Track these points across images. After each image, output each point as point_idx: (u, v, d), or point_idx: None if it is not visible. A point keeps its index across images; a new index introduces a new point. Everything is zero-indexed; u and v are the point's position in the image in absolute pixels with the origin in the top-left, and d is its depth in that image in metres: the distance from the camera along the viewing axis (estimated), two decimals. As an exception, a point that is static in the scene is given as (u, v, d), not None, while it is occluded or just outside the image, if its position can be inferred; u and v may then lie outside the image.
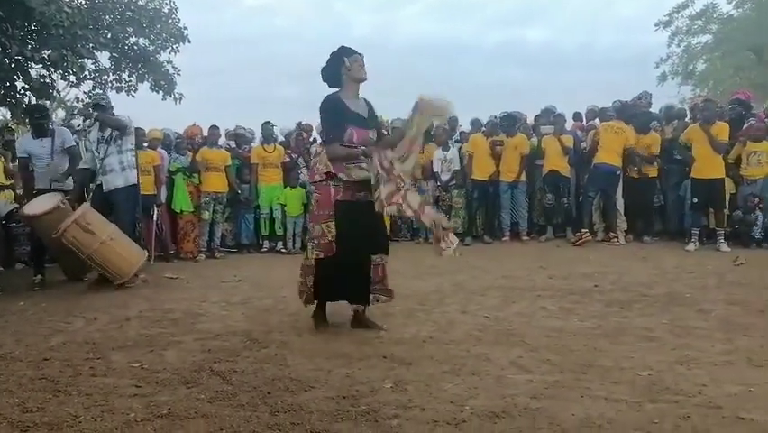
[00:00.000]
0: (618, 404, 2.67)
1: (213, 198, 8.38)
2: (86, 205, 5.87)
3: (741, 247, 7.66)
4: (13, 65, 8.97)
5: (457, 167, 9.13)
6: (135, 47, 11.95)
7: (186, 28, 12.02)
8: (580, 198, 8.86)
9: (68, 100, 18.01)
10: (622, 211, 8.55)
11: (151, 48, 12.04)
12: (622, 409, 2.62)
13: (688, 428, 2.43)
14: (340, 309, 4.26)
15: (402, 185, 3.76)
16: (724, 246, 7.58)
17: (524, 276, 6.14)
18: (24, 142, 6.70)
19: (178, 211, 8.36)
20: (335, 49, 4.04)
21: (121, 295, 5.62)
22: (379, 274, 4.06)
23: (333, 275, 3.94)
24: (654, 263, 6.74)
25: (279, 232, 8.84)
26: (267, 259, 8.36)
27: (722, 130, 7.67)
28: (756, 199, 7.84)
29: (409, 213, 3.78)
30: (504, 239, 9.01)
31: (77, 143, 6.56)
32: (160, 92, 12.40)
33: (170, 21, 11.83)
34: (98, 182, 6.16)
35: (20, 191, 7.69)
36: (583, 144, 9.02)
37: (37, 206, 5.79)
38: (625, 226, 8.56)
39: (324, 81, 4.09)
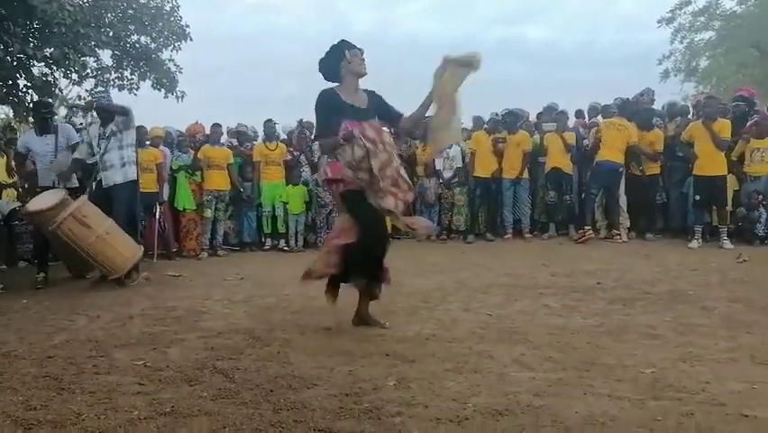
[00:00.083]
0: (621, 402, 2.67)
1: (215, 195, 8.39)
2: (84, 198, 5.87)
3: (744, 244, 7.64)
4: (15, 63, 9.00)
5: (459, 164, 9.13)
6: (137, 45, 11.97)
7: (187, 26, 12.05)
8: (583, 196, 8.85)
9: (70, 98, 18.03)
10: (625, 208, 8.54)
11: (153, 46, 12.07)
12: (625, 406, 2.62)
13: (691, 426, 2.42)
14: (342, 308, 4.25)
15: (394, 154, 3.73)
16: (727, 243, 7.57)
17: (526, 274, 6.13)
18: (27, 138, 6.70)
19: (181, 209, 8.37)
20: (336, 42, 3.98)
21: (124, 293, 5.63)
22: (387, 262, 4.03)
23: (358, 259, 3.87)
24: (657, 261, 6.73)
25: (282, 230, 8.84)
26: (269, 257, 8.37)
27: (724, 127, 7.65)
28: (760, 196, 7.82)
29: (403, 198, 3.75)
30: (506, 237, 9.00)
31: (82, 139, 6.57)
32: (162, 90, 12.42)
33: (172, 19, 11.85)
34: (98, 178, 6.16)
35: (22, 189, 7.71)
36: (586, 141, 9.01)
37: (40, 202, 5.80)
38: (627, 224, 8.55)
39: (322, 73, 4.01)
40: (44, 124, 6.43)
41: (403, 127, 4.27)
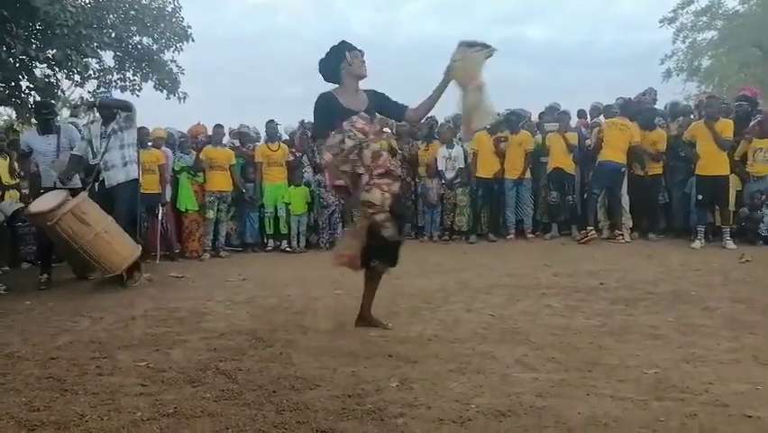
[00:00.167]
0: (624, 402, 2.66)
1: (217, 196, 8.39)
2: (84, 195, 5.86)
3: (747, 244, 7.62)
4: (17, 64, 9.02)
5: (461, 165, 9.12)
6: (139, 46, 11.99)
7: (189, 27, 12.05)
8: (585, 196, 8.84)
9: (72, 100, 18.07)
10: (627, 208, 8.52)
11: (155, 47, 12.08)
12: (628, 407, 2.62)
13: (694, 427, 2.42)
14: (343, 309, 4.26)
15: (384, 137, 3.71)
16: (730, 244, 7.55)
17: (529, 274, 6.13)
18: (29, 137, 6.71)
19: (183, 210, 8.38)
20: (336, 43, 3.94)
21: (127, 294, 5.64)
22: None
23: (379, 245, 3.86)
24: (660, 261, 6.72)
25: (284, 231, 8.85)
26: (271, 258, 8.37)
27: (726, 127, 7.64)
28: (763, 196, 7.79)
29: (361, 170, 3.65)
30: (509, 237, 8.99)
31: (83, 137, 6.57)
32: (164, 91, 12.43)
33: (174, 20, 11.87)
34: (101, 178, 6.17)
35: (26, 191, 7.73)
36: (588, 142, 9.00)
37: (42, 203, 5.81)
38: (630, 224, 8.54)
39: (322, 74, 3.97)
40: (46, 125, 6.45)
41: (409, 118, 4.20)
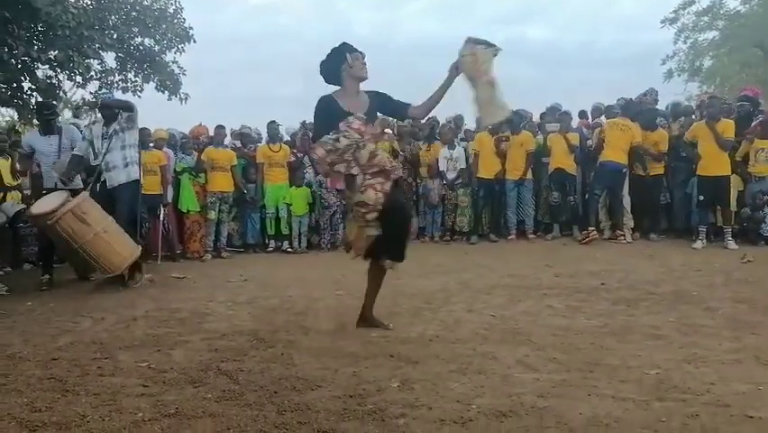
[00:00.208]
0: (626, 403, 2.66)
1: (219, 197, 8.40)
2: (85, 194, 5.86)
3: (749, 245, 7.62)
4: (19, 66, 9.03)
5: (463, 165, 9.12)
6: (141, 47, 12.01)
7: (191, 28, 12.06)
8: (587, 196, 8.83)
9: (74, 101, 18.10)
10: (629, 209, 8.52)
11: (157, 48, 12.10)
12: (629, 407, 2.62)
13: (696, 427, 2.42)
14: (345, 309, 4.26)
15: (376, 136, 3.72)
16: (731, 244, 7.54)
17: (530, 274, 6.13)
18: (31, 138, 6.72)
19: (185, 211, 8.38)
20: (337, 44, 3.93)
21: (128, 295, 5.64)
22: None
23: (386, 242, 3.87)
24: (661, 261, 6.71)
25: (285, 231, 8.85)
26: (273, 258, 8.38)
27: (727, 127, 7.63)
28: (765, 197, 7.79)
29: (355, 170, 3.65)
30: (510, 237, 8.99)
31: (84, 137, 6.58)
32: (166, 92, 12.45)
33: (176, 21, 11.88)
34: (102, 179, 6.18)
35: (27, 192, 7.73)
36: (589, 142, 8.99)
37: (44, 205, 5.81)
38: (631, 224, 8.53)
39: (323, 76, 3.96)
40: (48, 125, 6.46)
41: (413, 115, 4.19)
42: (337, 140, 3.63)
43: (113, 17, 11.19)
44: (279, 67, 52.10)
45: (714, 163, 7.60)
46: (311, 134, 9.36)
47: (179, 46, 12.06)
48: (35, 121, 9.16)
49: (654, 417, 2.51)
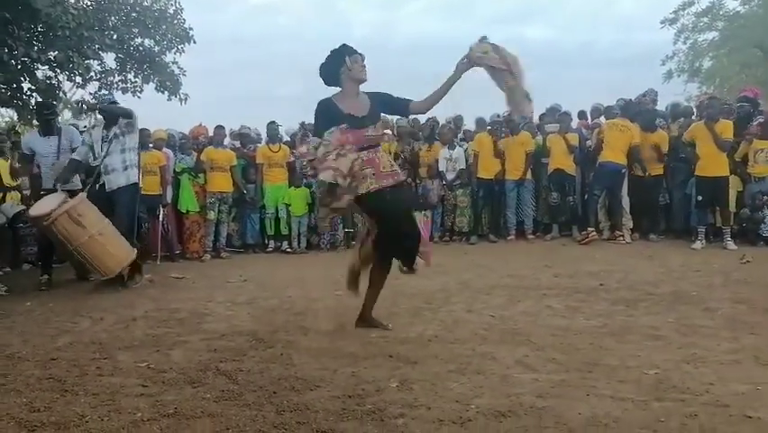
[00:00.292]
0: (625, 403, 2.66)
1: (218, 198, 8.40)
2: (82, 196, 5.86)
3: (748, 245, 7.62)
4: (19, 66, 9.03)
5: (462, 166, 9.12)
6: (141, 48, 12.00)
7: (191, 28, 12.06)
8: (586, 197, 8.84)
9: (74, 101, 18.09)
10: (628, 209, 8.53)
11: (157, 48, 12.09)
12: (628, 407, 2.62)
13: (695, 427, 2.42)
14: (344, 310, 4.26)
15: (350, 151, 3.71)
16: (730, 244, 7.55)
17: (529, 275, 6.13)
18: (30, 139, 6.72)
19: (184, 211, 8.39)
20: (337, 46, 3.92)
21: (127, 295, 5.64)
22: (424, 231, 3.99)
23: (388, 249, 3.93)
24: (660, 262, 6.71)
25: (285, 232, 8.86)
26: (272, 259, 8.38)
27: (726, 128, 7.63)
28: (764, 197, 7.79)
29: (340, 180, 3.64)
30: (509, 238, 9.00)
31: (84, 140, 6.58)
32: (166, 93, 12.44)
33: (176, 21, 11.88)
34: (101, 181, 6.18)
35: (27, 192, 7.73)
36: (588, 143, 9.00)
37: (42, 206, 5.81)
38: (630, 225, 8.54)
39: (322, 78, 3.96)
40: (47, 126, 6.46)
41: (415, 110, 4.18)
42: (317, 147, 3.69)
43: (113, 18, 11.19)
44: (279, 67, 52.10)
45: (712, 164, 7.61)
46: (310, 135, 9.40)
47: (179, 47, 12.05)
48: (35, 122, 9.16)
49: (653, 417, 2.51)
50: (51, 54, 9.26)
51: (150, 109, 12.94)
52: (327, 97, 3.91)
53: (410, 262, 4.02)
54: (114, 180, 6.14)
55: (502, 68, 3.84)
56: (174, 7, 11.91)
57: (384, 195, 3.83)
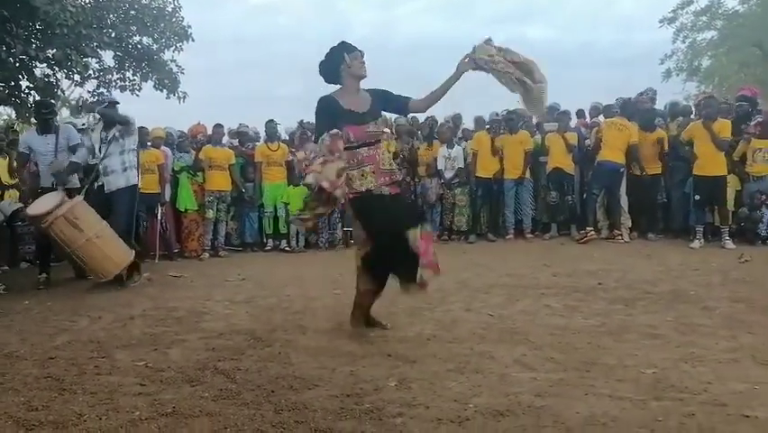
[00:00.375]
0: (623, 402, 2.66)
1: (217, 196, 8.39)
2: (78, 198, 5.83)
3: (747, 244, 7.63)
4: (17, 64, 9.01)
5: (461, 165, 9.12)
6: (139, 46, 11.99)
7: (189, 26, 12.05)
8: (585, 196, 8.85)
9: (72, 99, 18.06)
10: (626, 208, 8.53)
11: (155, 47, 12.09)
12: (626, 407, 2.62)
13: (693, 426, 2.42)
14: (342, 309, 4.25)
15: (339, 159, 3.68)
16: (729, 243, 7.56)
17: (528, 274, 6.13)
18: (28, 137, 6.70)
19: (183, 210, 8.38)
20: (335, 44, 3.92)
21: (125, 294, 5.64)
22: (423, 245, 3.73)
23: (383, 264, 3.78)
24: (659, 261, 6.72)
25: (283, 230, 8.85)
26: (271, 257, 8.37)
27: (724, 127, 7.64)
28: (762, 196, 7.80)
29: (325, 184, 3.60)
30: (508, 237, 9.00)
31: (82, 141, 6.57)
32: (164, 91, 12.43)
33: (174, 19, 11.87)
34: (100, 183, 6.16)
35: (24, 189, 7.72)
36: (587, 142, 9.00)
37: (40, 205, 5.80)
38: (629, 224, 8.54)
39: (322, 76, 3.96)
40: (45, 125, 6.44)
41: (414, 109, 4.16)
42: (315, 157, 3.68)
43: (111, 16, 11.18)
44: (279, 67, 52.12)
45: (710, 163, 7.61)
46: (309, 133, 9.41)
47: (178, 45, 12.05)
48: (33, 120, 9.14)
49: (651, 416, 2.52)
50: (50, 52, 9.24)
51: (149, 107, 12.96)
52: (328, 94, 3.91)
53: (409, 279, 3.79)
54: (114, 182, 6.12)
55: (508, 71, 3.81)
56: (172, 5, 11.92)
57: (384, 200, 3.78)
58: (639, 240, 8.40)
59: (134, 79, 12.38)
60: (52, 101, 8.57)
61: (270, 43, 55.52)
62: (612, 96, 9.34)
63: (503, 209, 9.09)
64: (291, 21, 60.71)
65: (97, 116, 6.47)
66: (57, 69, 10.04)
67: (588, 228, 8.41)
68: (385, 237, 3.72)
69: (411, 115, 7.61)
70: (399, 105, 4.10)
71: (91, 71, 11.49)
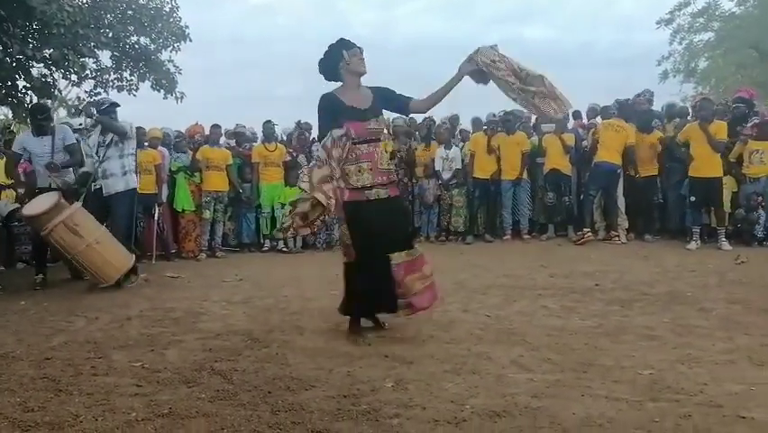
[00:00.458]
0: (619, 403, 2.67)
1: (214, 197, 8.39)
2: (77, 205, 5.84)
3: (743, 246, 7.64)
4: (14, 64, 8.98)
5: (459, 165, 9.13)
6: (136, 46, 11.98)
7: (187, 27, 12.04)
8: (582, 197, 8.86)
9: (69, 99, 18.02)
10: (623, 209, 8.55)
11: (153, 47, 12.07)
12: (623, 408, 2.62)
13: (689, 427, 2.43)
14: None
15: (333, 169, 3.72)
16: (725, 245, 7.57)
17: (525, 275, 6.14)
18: (24, 139, 6.68)
19: (180, 210, 8.37)
20: (334, 41, 3.93)
21: (122, 294, 5.63)
22: (401, 274, 3.75)
23: (359, 283, 3.81)
24: (656, 262, 6.73)
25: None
26: (268, 258, 8.37)
27: (720, 129, 7.65)
28: (759, 198, 7.82)
29: (319, 196, 3.64)
30: (505, 238, 9.00)
31: (78, 141, 6.56)
32: (162, 91, 12.41)
33: (171, 19, 11.85)
34: (98, 186, 6.15)
35: (21, 191, 7.70)
36: (584, 143, 9.01)
37: (36, 206, 5.80)
38: (626, 225, 8.56)
39: (322, 74, 3.98)
40: (40, 130, 6.42)
41: (415, 109, 4.16)
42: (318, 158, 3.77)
43: (108, 16, 11.15)
44: (279, 67, 52.13)
45: (706, 165, 7.62)
46: (307, 134, 9.42)
47: (175, 45, 12.03)
48: (29, 120, 9.11)
49: (648, 417, 2.52)
50: (47, 52, 9.21)
51: (146, 107, 12.95)
52: (329, 92, 3.93)
53: (390, 309, 3.88)
54: (113, 185, 6.11)
55: (508, 80, 3.80)
56: (170, 5, 11.90)
57: (376, 213, 3.77)
58: (636, 241, 8.41)
59: (132, 79, 12.36)
60: (47, 105, 8.56)
61: (269, 43, 55.51)
62: (612, 96, 9.35)
63: (500, 210, 9.10)
64: (290, 21, 60.73)
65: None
66: (54, 68, 10.00)
67: (585, 229, 8.42)
68: (366, 256, 3.76)
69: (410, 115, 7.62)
70: (400, 104, 4.10)
71: (88, 71, 11.46)
